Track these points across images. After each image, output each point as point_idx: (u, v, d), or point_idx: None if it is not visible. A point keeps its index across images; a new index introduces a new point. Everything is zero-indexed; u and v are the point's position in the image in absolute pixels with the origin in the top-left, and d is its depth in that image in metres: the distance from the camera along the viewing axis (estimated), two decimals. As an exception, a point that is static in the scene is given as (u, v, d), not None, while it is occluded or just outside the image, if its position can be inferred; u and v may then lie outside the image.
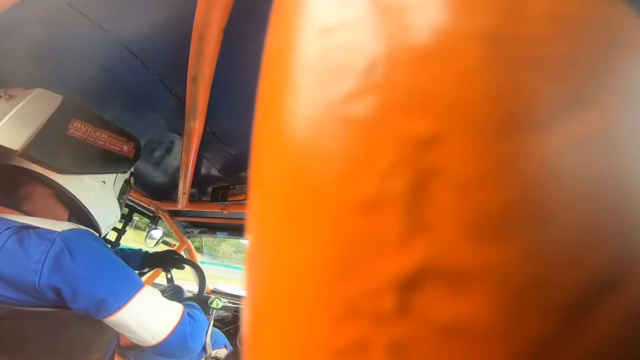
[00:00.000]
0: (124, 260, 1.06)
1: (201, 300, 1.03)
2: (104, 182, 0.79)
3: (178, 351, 0.74)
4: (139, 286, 0.70)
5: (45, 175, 0.70)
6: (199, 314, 0.83)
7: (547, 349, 0.06)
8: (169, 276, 1.38)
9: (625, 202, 0.06)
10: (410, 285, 0.07)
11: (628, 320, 0.06)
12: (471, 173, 0.07)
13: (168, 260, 1.20)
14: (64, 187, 0.72)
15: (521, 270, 0.06)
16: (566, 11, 0.07)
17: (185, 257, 1.53)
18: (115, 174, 0.83)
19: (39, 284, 0.61)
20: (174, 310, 0.74)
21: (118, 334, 0.77)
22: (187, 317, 0.76)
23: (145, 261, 1.15)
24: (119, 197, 0.87)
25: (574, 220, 0.06)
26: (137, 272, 1.17)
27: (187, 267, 1.25)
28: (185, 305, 0.79)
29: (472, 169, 0.07)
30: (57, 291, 0.62)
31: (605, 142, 0.07)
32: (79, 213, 0.76)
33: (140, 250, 1.19)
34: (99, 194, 0.78)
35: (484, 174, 0.06)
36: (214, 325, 1.24)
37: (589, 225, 0.06)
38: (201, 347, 0.81)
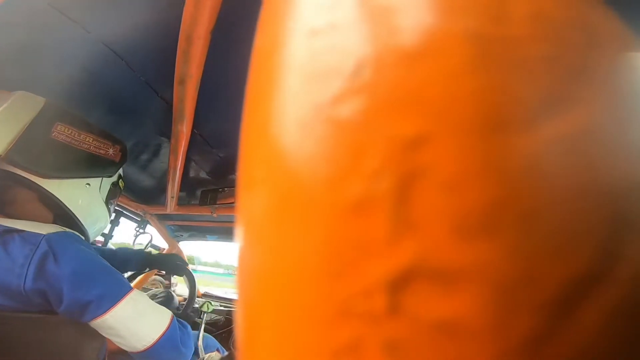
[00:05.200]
0: (125, 260, 1.03)
1: (186, 317, 1.01)
2: (88, 184, 0.77)
3: (167, 358, 0.73)
4: (127, 289, 0.69)
5: (28, 179, 0.68)
6: (187, 325, 0.81)
7: (537, 345, 0.06)
8: (167, 282, 1.35)
9: (608, 199, 0.07)
10: (400, 285, 0.07)
11: (615, 313, 0.06)
12: (457, 172, 0.07)
13: (171, 264, 1.17)
14: (47, 191, 0.70)
15: (508, 267, 0.06)
16: (547, 12, 0.07)
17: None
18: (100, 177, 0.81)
19: (24, 288, 0.60)
20: (163, 316, 0.73)
21: (105, 339, 0.75)
22: (177, 323, 0.75)
23: (147, 261, 1.13)
24: (107, 201, 0.84)
25: (558, 217, 0.06)
26: (136, 271, 1.16)
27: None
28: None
29: (458, 169, 0.07)
30: (43, 294, 0.61)
31: (588, 141, 0.07)
32: (63, 217, 0.74)
33: (142, 250, 1.17)
34: (84, 196, 0.76)
35: (470, 173, 0.07)
36: (205, 330, 1.22)
37: (573, 222, 0.06)
38: (192, 353, 0.80)
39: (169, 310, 0.76)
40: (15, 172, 0.68)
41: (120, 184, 0.91)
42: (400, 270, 0.07)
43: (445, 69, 0.07)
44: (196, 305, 1.38)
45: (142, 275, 1.43)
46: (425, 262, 0.07)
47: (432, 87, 0.07)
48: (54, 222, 0.74)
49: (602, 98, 0.07)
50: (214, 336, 1.25)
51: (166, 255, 1.20)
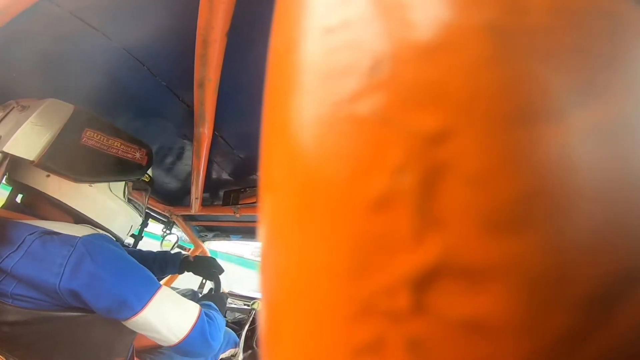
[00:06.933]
0: (165, 265, 1.06)
1: (217, 297, 1.03)
2: (91, 185, 0.77)
3: (199, 349, 0.75)
4: (158, 286, 0.72)
5: (28, 185, 0.71)
6: (215, 313, 0.83)
7: (573, 344, 0.06)
8: (204, 282, 1.39)
9: None
10: (425, 283, 0.07)
11: None
12: (482, 167, 0.06)
13: (206, 271, 1.19)
14: (46, 194, 0.72)
15: (539, 264, 0.06)
16: (568, 2, 0.07)
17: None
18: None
19: (59, 287, 0.63)
20: (192, 308, 0.76)
21: (134, 337, 0.78)
22: (204, 315, 0.77)
23: (185, 266, 1.17)
24: (126, 196, 0.85)
25: (591, 212, 0.06)
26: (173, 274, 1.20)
27: None
28: (201, 305, 0.80)
29: (483, 163, 0.06)
30: (76, 295, 0.64)
31: (620, 131, 0.07)
32: (79, 217, 0.76)
33: (180, 253, 1.20)
34: (88, 195, 0.77)
35: (495, 167, 0.06)
36: (230, 328, 1.25)
37: (607, 216, 0.06)
38: (220, 345, 0.81)
39: (196, 303, 0.78)
40: (17, 179, 0.71)
41: (145, 179, 0.90)
42: (425, 268, 0.07)
43: (466, 62, 0.07)
44: (247, 306, 1.43)
45: (167, 277, 1.48)
46: (451, 259, 0.07)
47: (453, 80, 0.07)
48: (76, 223, 0.76)
49: (629, 88, 0.07)
50: (237, 334, 1.27)
51: (203, 260, 1.21)
